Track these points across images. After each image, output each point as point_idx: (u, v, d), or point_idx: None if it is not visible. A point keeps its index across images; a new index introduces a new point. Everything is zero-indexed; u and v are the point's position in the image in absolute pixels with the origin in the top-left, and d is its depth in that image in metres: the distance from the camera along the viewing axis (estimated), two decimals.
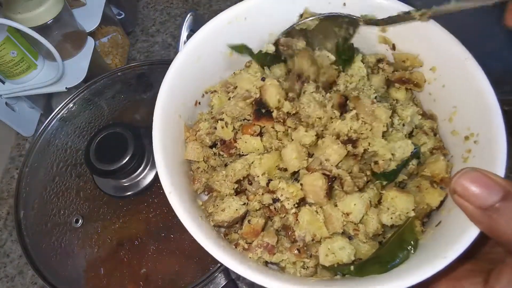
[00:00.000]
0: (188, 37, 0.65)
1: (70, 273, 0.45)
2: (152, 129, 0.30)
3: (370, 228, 0.27)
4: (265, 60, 0.34)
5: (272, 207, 0.29)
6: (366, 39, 0.32)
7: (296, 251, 0.28)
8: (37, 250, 0.47)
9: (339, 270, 0.26)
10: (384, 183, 0.29)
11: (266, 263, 0.30)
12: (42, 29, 0.56)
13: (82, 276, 0.45)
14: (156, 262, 0.44)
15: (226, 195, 0.31)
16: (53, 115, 0.55)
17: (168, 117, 0.30)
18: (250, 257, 0.28)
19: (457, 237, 0.24)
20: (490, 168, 0.24)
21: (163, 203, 0.46)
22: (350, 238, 0.28)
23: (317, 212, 0.28)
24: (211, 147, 0.34)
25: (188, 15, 0.66)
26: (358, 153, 0.27)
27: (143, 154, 0.45)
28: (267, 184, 0.29)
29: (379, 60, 0.33)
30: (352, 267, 0.26)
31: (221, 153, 0.32)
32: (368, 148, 0.27)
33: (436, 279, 0.25)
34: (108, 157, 0.43)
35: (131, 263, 0.44)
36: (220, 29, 0.31)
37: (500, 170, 0.24)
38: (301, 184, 0.28)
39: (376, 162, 0.28)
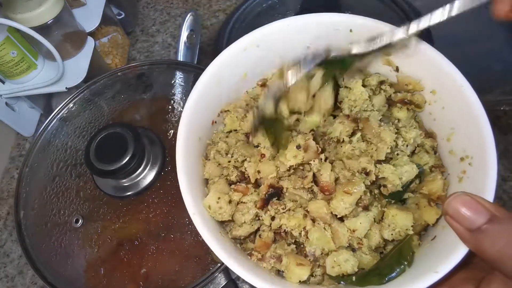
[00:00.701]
0: (188, 37, 0.65)
1: (70, 273, 0.45)
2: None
3: (373, 242, 0.30)
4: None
5: (282, 233, 0.32)
6: (371, 60, 0.34)
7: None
8: (37, 250, 0.47)
9: (343, 279, 0.29)
10: (388, 201, 0.32)
11: (278, 271, 0.32)
12: (42, 29, 0.56)
13: (82, 276, 0.45)
14: (156, 262, 0.44)
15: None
16: (53, 115, 0.55)
17: (189, 139, 0.32)
18: (264, 267, 0.31)
19: (448, 253, 0.27)
20: (481, 191, 0.27)
21: (163, 203, 0.46)
22: (354, 250, 0.31)
23: (325, 229, 0.30)
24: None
25: (188, 15, 0.66)
26: (370, 180, 0.30)
27: (143, 154, 0.45)
28: (271, 222, 0.32)
29: (381, 82, 0.34)
30: (354, 278, 0.29)
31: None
32: (378, 175, 0.30)
33: (431, 287, 0.27)
34: (108, 157, 0.43)
35: (131, 263, 0.44)
36: (235, 56, 0.34)
37: (490, 194, 0.27)
38: (307, 211, 0.31)
39: (384, 186, 0.30)
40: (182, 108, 0.52)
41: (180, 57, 0.64)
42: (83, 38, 0.64)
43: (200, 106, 0.34)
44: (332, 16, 0.34)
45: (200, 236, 0.44)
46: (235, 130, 0.37)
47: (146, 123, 0.52)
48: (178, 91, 0.55)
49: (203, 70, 0.54)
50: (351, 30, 0.34)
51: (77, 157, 0.51)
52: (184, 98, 0.54)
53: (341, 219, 0.31)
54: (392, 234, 0.30)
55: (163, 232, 0.45)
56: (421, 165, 0.32)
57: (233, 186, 0.33)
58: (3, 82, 0.64)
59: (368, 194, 0.30)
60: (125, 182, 0.46)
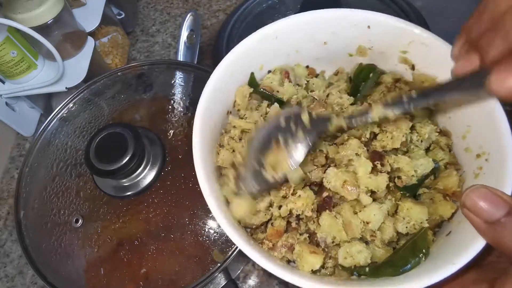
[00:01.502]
0: (188, 37, 0.65)
1: (70, 273, 0.45)
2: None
3: (386, 235, 0.30)
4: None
5: (294, 223, 0.32)
6: (387, 57, 0.34)
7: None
8: (37, 250, 0.47)
9: (355, 271, 0.29)
10: (402, 193, 0.31)
11: (289, 261, 0.31)
12: (42, 29, 0.56)
13: (82, 276, 0.45)
14: (156, 262, 0.44)
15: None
16: (53, 115, 0.55)
17: (205, 128, 0.32)
18: (275, 256, 0.30)
19: (465, 246, 0.26)
20: (499, 186, 0.26)
21: (163, 203, 0.46)
22: (367, 243, 0.30)
23: (336, 217, 0.29)
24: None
25: (188, 15, 0.66)
26: (385, 170, 0.29)
27: (143, 154, 0.45)
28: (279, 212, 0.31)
29: (397, 80, 0.34)
30: (367, 269, 0.28)
31: None
32: (393, 165, 0.30)
33: (443, 284, 0.26)
34: (108, 157, 0.43)
35: (131, 263, 0.44)
36: (252, 47, 0.34)
37: (508, 188, 0.27)
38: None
39: (399, 177, 0.30)
40: (182, 108, 0.52)
41: (180, 57, 0.64)
42: (83, 38, 0.64)
43: (216, 96, 0.34)
44: (351, 12, 0.33)
45: (200, 236, 0.44)
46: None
47: (146, 123, 0.52)
48: (178, 91, 0.55)
49: (203, 70, 0.55)
50: (369, 27, 0.33)
51: (77, 157, 0.51)
52: (184, 98, 0.54)
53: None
54: (406, 227, 0.29)
55: (163, 232, 0.45)
56: (437, 161, 0.31)
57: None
58: (3, 82, 0.64)
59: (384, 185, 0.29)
60: (125, 182, 0.46)
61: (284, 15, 0.64)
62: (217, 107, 0.34)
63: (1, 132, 0.71)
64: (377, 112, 0.28)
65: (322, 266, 0.30)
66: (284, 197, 0.31)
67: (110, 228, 0.46)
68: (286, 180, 0.30)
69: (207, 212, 0.46)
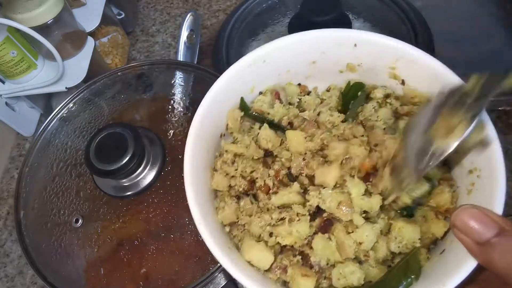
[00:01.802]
0: (188, 37, 0.65)
1: (70, 273, 0.45)
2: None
3: (380, 254, 0.30)
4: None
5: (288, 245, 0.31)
6: (377, 73, 0.34)
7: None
8: (37, 250, 0.47)
9: None
10: (399, 212, 0.31)
11: (285, 282, 0.31)
12: (42, 29, 0.56)
13: (82, 276, 0.45)
14: (156, 262, 0.44)
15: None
16: (53, 115, 0.55)
17: (197, 152, 0.33)
18: (270, 277, 0.30)
19: (457, 267, 0.26)
20: (490, 204, 0.26)
21: (163, 203, 0.46)
22: (360, 262, 0.30)
23: (330, 239, 0.30)
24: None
25: (188, 15, 0.66)
26: (377, 192, 0.30)
27: (143, 154, 0.45)
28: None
29: (387, 96, 0.34)
30: None
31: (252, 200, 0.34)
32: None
33: None
34: (108, 157, 0.43)
35: (131, 263, 0.44)
36: (241, 71, 0.34)
37: (499, 206, 0.27)
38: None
39: (394, 201, 0.30)
40: (182, 108, 0.52)
41: (180, 57, 0.64)
42: (83, 38, 0.64)
43: (208, 119, 0.34)
44: (335, 32, 0.34)
45: (200, 236, 0.44)
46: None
47: (146, 123, 0.52)
48: (178, 91, 0.55)
49: (203, 70, 0.55)
50: (355, 45, 0.33)
51: (77, 157, 0.51)
52: (184, 98, 0.54)
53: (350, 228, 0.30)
54: (399, 247, 0.29)
55: (163, 232, 0.45)
56: (432, 179, 0.31)
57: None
58: (3, 82, 0.64)
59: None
60: (125, 182, 0.46)
61: (284, 15, 0.64)
62: (209, 131, 0.34)
63: (1, 132, 0.71)
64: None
65: (317, 287, 0.30)
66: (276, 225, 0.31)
67: (110, 228, 0.46)
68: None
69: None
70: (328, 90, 0.38)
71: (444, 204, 0.30)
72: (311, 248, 0.30)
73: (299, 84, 0.38)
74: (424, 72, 0.31)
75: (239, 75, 0.35)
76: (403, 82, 0.34)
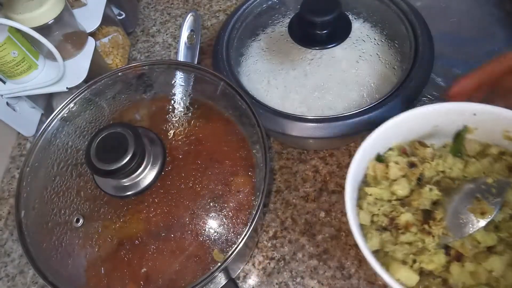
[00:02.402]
0: (189, 37, 0.65)
1: (71, 272, 0.46)
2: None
3: (509, 281, 0.35)
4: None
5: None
6: (492, 133, 0.40)
7: None
8: (38, 249, 0.47)
9: None
10: None
11: None
12: (43, 29, 0.56)
13: (82, 275, 0.45)
14: (156, 261, 0.44)
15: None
16: (54, 115, 0.55)
17: (349, 191, 0.39)
18: None
19: None
20: None
21: (163, 203, 0.46)
22: (493, 287, 0.35)
23: (463, 266, 0.36)
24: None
25: (189, 16, 0.66)
26: (504, 237, 0.37)
27: (143, 154, 0.46)
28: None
29: (502, 153, 0.40)
30: None
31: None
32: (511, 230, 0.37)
33: None
34: (108, 157, 0.43)
35: (132, 263, 0.45)
36: (379, 134, 0.42)
37: None
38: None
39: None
40: (183, 108, 0.52)
41: (181, 57, 0.64)
42: (83, 38, 0.65)
43: (356, 169, 0.41)
44: (458, 105, 0.40)
45: (201, 236, 0.44)
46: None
47: (146, 123, 0.52)
48: (178, 91, 0.55)
49: (203, 70, 0.55)
50: (474, 114, 0.40)
51: (77, 157, 0.51)
52: (184, 98, 0.54)
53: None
54: None
55: (163, 232, 0.45)
56: None
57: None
58: (4, 82, 0.64)
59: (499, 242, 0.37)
60: (126, 182, 0.46)
61: (284, 15, 0.64)
62: (355, 177, 0.41)
63: (2, 132, 0.72)
64: None
65: None
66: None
67: (111, 227, 0.46)
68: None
69: (207, 212, 0.46)
70: (444, 147, 0.44)
71: None
72: (449, 273, 0.37)
73: (419, 142, 0.44)
74: None
75: (378, 137, 0.41)
76: None
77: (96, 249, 0.46)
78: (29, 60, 0.61)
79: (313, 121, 0.52)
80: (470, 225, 0.36)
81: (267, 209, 0.59)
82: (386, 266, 0.37)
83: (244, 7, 0.64)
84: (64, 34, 0.61)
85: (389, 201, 0.41)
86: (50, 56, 0.62)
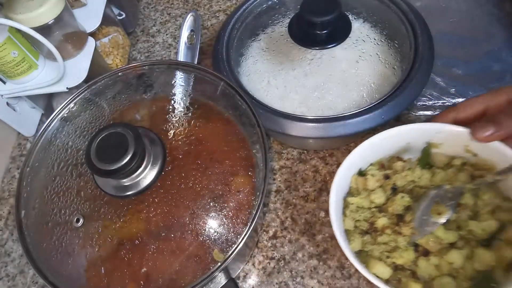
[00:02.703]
0: (189, 37, 0.65)
1: (71, 272, 0.46)
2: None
3: (468, 272, 0.41)
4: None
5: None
6: (456, 147, 0.46)
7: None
8: (38, 249, 0.47)
9: None
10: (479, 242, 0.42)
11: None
12: (43, 29, 0.56)
13: (83, 275, 0.45)
14: (156, 261, 0.44)
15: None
16: (54, 115, 0.55)
17: (334, 202, 0.44)
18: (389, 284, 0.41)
19: None
20: None
21: (163, 202, 0.46)
22: (454, 277, 0.41)
23: (429, 261, 0.42)
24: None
25: (189, 16, 0.66)
26: (463, 235, 0.43)
27: (144, 154, 0.46)
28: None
29: (464, 163, 0.46)
30: None
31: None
32: (468, 228, 0.42)
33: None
34: (109, 157, 0.43)
35: (132, 263, 0.45)
36: (359, 152, 0.47)
37: None
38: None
39: (474, 235, 0.42)
40: (183, 108, 0.52)
41: (181, 57, 0.64)
42: (83, 39, 0.65)
43: (340, 183, 0.46)
44: (425, 126, 0.46)
45: (200, 236, 0.44)
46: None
47: (146, 123, 0.52)
48: (178, 91, 0.55)
49: (203, 70, 0.55)
50: (437, 132, 0.46)
51: (77, 156, 0.51)
52: (184, 98, 0.54)
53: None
54: (481, 266, 0.40)
55: (164, 232, 0.45)
56: (504, 221, 0.42)
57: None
58: (4, 82, 0.64)
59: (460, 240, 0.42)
60: (126, 181, 0.46)
61: (284, 15, 0.64)
62: (339, 190, 0.47)
63: (2, 132, 0.72)
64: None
65: None
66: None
67: (111, 227, 0.46)
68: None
69: (207, 212, 0.46)
70: (418, 159, 0.49)
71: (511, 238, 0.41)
72: (417, 266, 0.42)
73: (397, 157, 0.49)
74: (492, 150, 0.43)
75: (358, 155, 0.46)
76: (475, 155, 0.45)
77: (96, 249, 0.46)
78: (29, 60, 0.61)
79: (313, 121, 0.52)
80: (432, 225, 0.42)
81: (267, 209, 0.59)
82: (365, 263, 0.42)
83: (244, 7, 0.64)
84: (64, 34, 0.61)
85: (369, 208, 0.47)
86: (50, 56, 0.62)
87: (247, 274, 0.55)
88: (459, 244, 0.42)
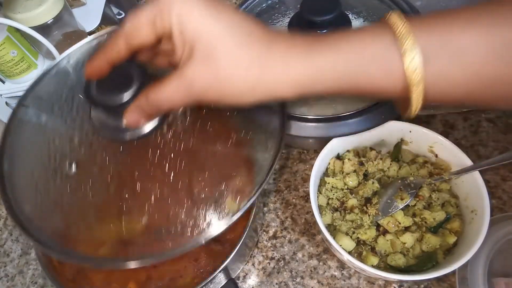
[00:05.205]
0: None
1: (58, 225, 0.40)
2: None
3: (416, 251, 0.49)
4: None
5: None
6: (421, 147, 0.54)
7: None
8: (23, 203, 0.40)
9: (396, 269, 0.49)
10: (429, 229, 0.51)
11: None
12: (42, 29, 0.56)
13: (73, 226, 0.40)
14: (156, 210, 0.39)
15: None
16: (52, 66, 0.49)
17: (314, 182, 0.50)
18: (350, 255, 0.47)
19: (456, 260, 0.44)
20: (480, 229, 0.44)
21: (169, 148, 0.40)
22: (404, 255, 0.49)
23: (387, 240, 0.50)
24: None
25: None
26: (417, 221, 0.50)
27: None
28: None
29: (425, 162, 0.54)
30: (402, 267, 0.49)
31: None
32: (421, 215, 0.50)
33: None
34: (111, 91, 0.37)
35: (131, 212, 0.39)
36: (335, 143, 0.54)
37: (484, 231, 0.44)
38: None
39: (425, 222, 0.50)
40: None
41: None
42: (83, 38, 0.64)
43: (320, 164, 0.52)
44: (401, 124, 0.52)
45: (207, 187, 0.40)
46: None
47: None
48: None
49: None
50: (410, 131, 0.53)
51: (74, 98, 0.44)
52: None
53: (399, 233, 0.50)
54: (427, 248, 0.48)
55: (166, 178, 0.39)
56: (449, 213, 0.50)
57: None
58: (3, 82, 0.64)
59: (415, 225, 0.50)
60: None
61: (284, 15, 0.64)
62: (319, 170, 0.53)
63: (1, 132, 0.71)
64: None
65: (378, 265, 0.49)
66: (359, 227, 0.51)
67: (108, 173, 0.39)
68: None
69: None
70: (388, 153, 0.57)
71: (455, 227, 0.49)
72: (376, 242, 0.49)
73: (371, 148, 0.56)
74: (450, 154, 0.51)
75: (335, 145, 0.53)
76: (436, 156, 0.53)
77: (91, 197, 0.39)
78: (28, 59, 0.61)
79: (313, 121, 0.52)
80: (393, 207, 0.50)
81: (267, 209, 0.59)
82: (334, 236, 0.49)
83: (244, 6, 0.64)
84: (64, 34, 0.61)
85: (342, 189, 0.53)
86: (49, 55, 0.62)
87: (247, 274, 0.55)
88: (412, 228, 0.49)
